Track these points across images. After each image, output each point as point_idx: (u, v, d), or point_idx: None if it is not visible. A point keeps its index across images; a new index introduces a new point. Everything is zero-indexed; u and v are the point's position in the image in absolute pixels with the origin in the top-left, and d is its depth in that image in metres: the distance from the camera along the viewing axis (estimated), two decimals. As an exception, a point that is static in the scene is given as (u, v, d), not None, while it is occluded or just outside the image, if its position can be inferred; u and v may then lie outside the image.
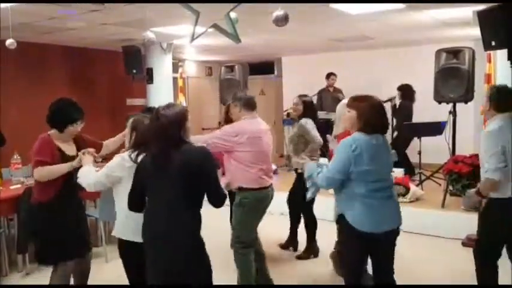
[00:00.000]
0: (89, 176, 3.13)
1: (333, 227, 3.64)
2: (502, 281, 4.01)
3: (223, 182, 3.66)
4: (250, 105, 3.89)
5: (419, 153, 6.91)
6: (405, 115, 7.51)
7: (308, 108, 4.88)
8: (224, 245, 4.13)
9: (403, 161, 7.40)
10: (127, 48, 7.22)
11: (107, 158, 3.39)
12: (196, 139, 3.67)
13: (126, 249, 3.09)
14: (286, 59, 10.90)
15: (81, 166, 3.23)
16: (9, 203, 4.48)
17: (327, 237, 4.61)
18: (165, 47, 7.68)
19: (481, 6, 4.49)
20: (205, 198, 2.68)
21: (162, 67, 7.80)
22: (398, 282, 4.34)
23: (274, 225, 5.03)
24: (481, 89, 5.90)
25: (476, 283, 3.77)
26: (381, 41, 8.07)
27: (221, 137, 3.76)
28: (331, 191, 3.25)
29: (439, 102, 6.31)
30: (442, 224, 5.57)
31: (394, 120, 7.59)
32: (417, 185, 6.59)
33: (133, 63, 7.23)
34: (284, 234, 5.26)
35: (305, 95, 5.04)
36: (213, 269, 2.72)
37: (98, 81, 8.46)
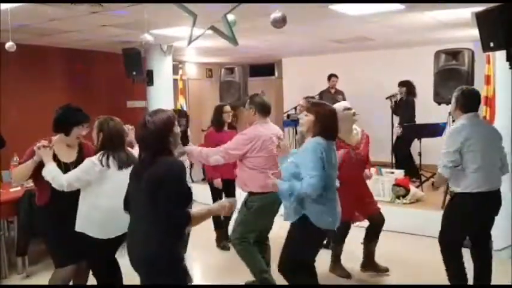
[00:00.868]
0: (59, 177, 3.22)
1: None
2: (502, 281, 4.02)
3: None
4: (265, 110, 3.97)
5: (420, 154, 6.91)
6: (411, 111, 7.53)
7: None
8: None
9: (406, 162, 7.44)
10: (127, 50, 7.23)
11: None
12: (212, 152, 3.87)
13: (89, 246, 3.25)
14: (287, 60, 10.91)
15: (41, 162, 3.28)
16: (9, 206, 4.48)
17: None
18: (165, 49, 7.69)
19: (480, 8, 4.49)
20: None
21: (162, 69, 7.80)
22: (398, 283, 4.35)
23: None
24: (480, 91, 5.90)
25: (476, 283, 3.78)
26: (380, 42, 8.07)
27: (236, 147, 3.86)
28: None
29: (439, 104, 6.31)
30: (442, 225, 5.56)
31: (396, 117, 7.59)
32: (417, 187, 6.59)
33: (134, 65, 7.23)
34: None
35: (311, 97, 5.12)
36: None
37: (98, 84, 8.47)
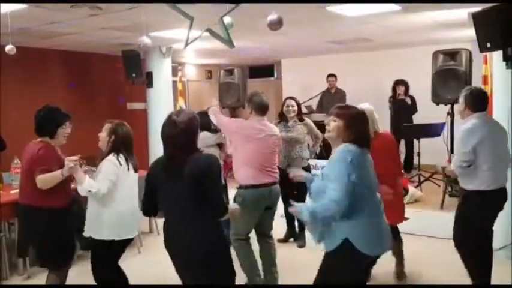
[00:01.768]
0: (98, 190, 3.24)
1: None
2: (500, 280, 4.03)
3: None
4: (261, 110, 4.05)
5: (419, 154, 6.94)
6: (411, 111, 7.60)
7: (300, 109, 5.30)
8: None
9: (410, 161, 7.53)
10: (126, 52, 7.25)
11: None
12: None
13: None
14: (286, 61, 10.94)
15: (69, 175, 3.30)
16: (10, 207, 4.50)
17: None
18: (164, 51, 7.72)
19: (477, 8, 4.51)
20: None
21: (161, 71, 7.83)
22: (398, 283, 4.37)
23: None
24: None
25: (474, 283, 3.80)
26: (378, 43, 8.09)
27: (227, 120, 4.15)
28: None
29: (437, 104, 6.34)
30: (441, 225, 5.57)
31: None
32: (416, 187, 6.61)
33: (133, 67, 7.26)
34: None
35: (291, 97, 5.28)
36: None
37: (97, 86, 8.50)
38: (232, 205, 2.95)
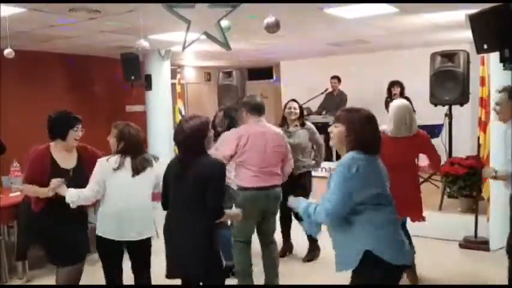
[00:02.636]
0: (82, 195, 3.26)
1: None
2: (502, 281, 4.04)
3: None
4: (255, 109, 3.96)
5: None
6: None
7: (302, 112, 5.04)
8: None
9: None
10: (125, 55, 7.27)
11: None
12: None
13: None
14: (285, 63, 10.95)
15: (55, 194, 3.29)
16: (9, 211, 4.51)
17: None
18: (163, 54, 7.73)
19: (474, 10, 4.53)
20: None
21: (160, 73, 7.84)
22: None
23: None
24: (476, 92, 5.94)
25: (473, 284, 3.80)
26: (377, 45, 8.12)
27: (222, 144, 3.99)
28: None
29: (435, 105, 6.36)
30: (440, 226, 5.59)
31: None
32: (415, 188, 6.60)
33: (132, 70, 7.27)
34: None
35: (294, 100, 5.13)
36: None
37: (96, 89, 8.52)
38: (235, 209, 3.21)
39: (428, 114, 6.96)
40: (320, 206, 2.48)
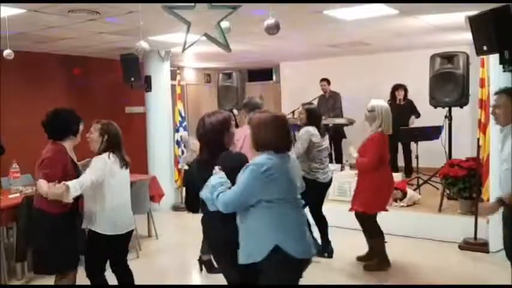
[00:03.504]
0: (81, 184, 3.24)
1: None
2: (502, 282, 4.04)
3: None
4: (254, 111, 3.96)
5: (417, 157, 6.94)
6: (406, 114, 7.60)
7: (311, 116, 4.94)
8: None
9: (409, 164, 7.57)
10: (125, 56, 7.26)
11: None
12: None
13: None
14: (284, 65, 10.96)
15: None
16: (9, 212, 4.51)
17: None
18: (163, 55, 7.73)
19: (474, 11, 4.54)
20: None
21: (160, 75, 7.83)
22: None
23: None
24: (476, 94, 5.95)
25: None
26: (376, 46, 8.12)
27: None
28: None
29: (435, 107, 6.36)
30: (439, 227, 5.60)
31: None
32: (414, 189, 6.62)
33: (131, 71, 7.26)
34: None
35: (309, 103, 5.13)
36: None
37: (96, 90, 8.51)
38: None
39: (428, 116, 6.98)
40: (222, 194, 2.62)
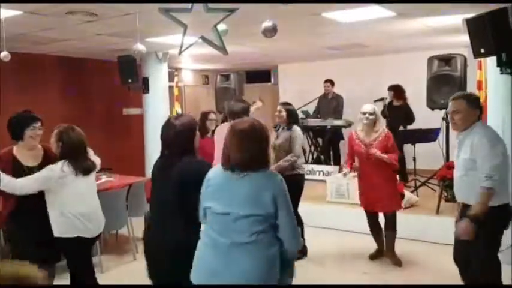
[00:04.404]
0: (13, 181, 3.32)
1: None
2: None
3: None
4: (230, 115, 4.16)
5: (414, 159, 6.94)
6: (400, 116, 7.55)
7: (291, 116, 5.07)
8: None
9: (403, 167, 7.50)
10: (122, 58, 7.25)
11: None
12: None
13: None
14: (283, 66, 10.96)
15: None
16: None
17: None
18: (160, 57, 7.72)
19: (471, 14, 4.55)
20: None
21: (158, 76, 7.83)
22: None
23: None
24: (473, 96, 5.95)
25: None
26: (374, 49, 8.12)
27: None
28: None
29: (432, 109, 6.36)
30: (437, 230, 5.59)
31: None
32: (412, 192, 6.61)
33: (129, 73, 7.25)
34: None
35: (288, 103, 5.22)
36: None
37: (94, 91, 8.50)
38: None
39: (426, 118, 6.97)
40: None
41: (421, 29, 6.23)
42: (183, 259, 2.59)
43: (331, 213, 6.18)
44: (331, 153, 8.67)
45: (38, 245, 3.36)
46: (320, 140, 8.73)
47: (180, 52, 3.45)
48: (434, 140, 6.64)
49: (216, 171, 2.51)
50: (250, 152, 2.36)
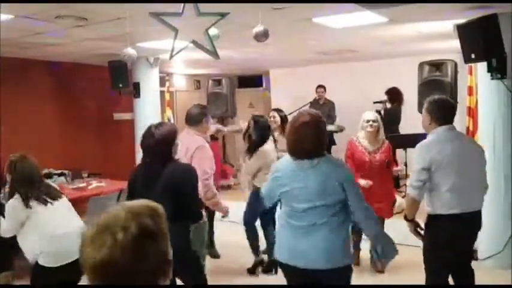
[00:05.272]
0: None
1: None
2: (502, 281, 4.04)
3: None
4: (186, 119, 4.13)
5: (406, 164, 6.94)
6: (392, 119, 7.55)
7: (283, 121, 5.14)
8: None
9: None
10: (113, 62, 7.21)
11: None
12: None
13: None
14: (274, 72, 10.96)
15: None
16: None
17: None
18: (151, 61, 7.68)
19: (462, 20, 4.57)
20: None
21: (149, 81, 7.79)
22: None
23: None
24: (464, 101, 5.98)
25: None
26: (365, 54, 8.15)
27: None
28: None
29: (423, 114, 6.36)
30: (428, 235, 5.58)
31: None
32: (403, 197, 6.60)
33: (120, 77, 7.21)
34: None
35: (279, 110, 5.30)
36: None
37: (84, 96, 8.43)
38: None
39: (417, 123, 6.96)
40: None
41: (412, 35, 6.26)
42: (182, 263, 2.62)
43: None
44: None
45: None
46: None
47: (171, 56, 3.43)
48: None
49: (283, 162, 2.79)
50: (320, 139, 2.78)
